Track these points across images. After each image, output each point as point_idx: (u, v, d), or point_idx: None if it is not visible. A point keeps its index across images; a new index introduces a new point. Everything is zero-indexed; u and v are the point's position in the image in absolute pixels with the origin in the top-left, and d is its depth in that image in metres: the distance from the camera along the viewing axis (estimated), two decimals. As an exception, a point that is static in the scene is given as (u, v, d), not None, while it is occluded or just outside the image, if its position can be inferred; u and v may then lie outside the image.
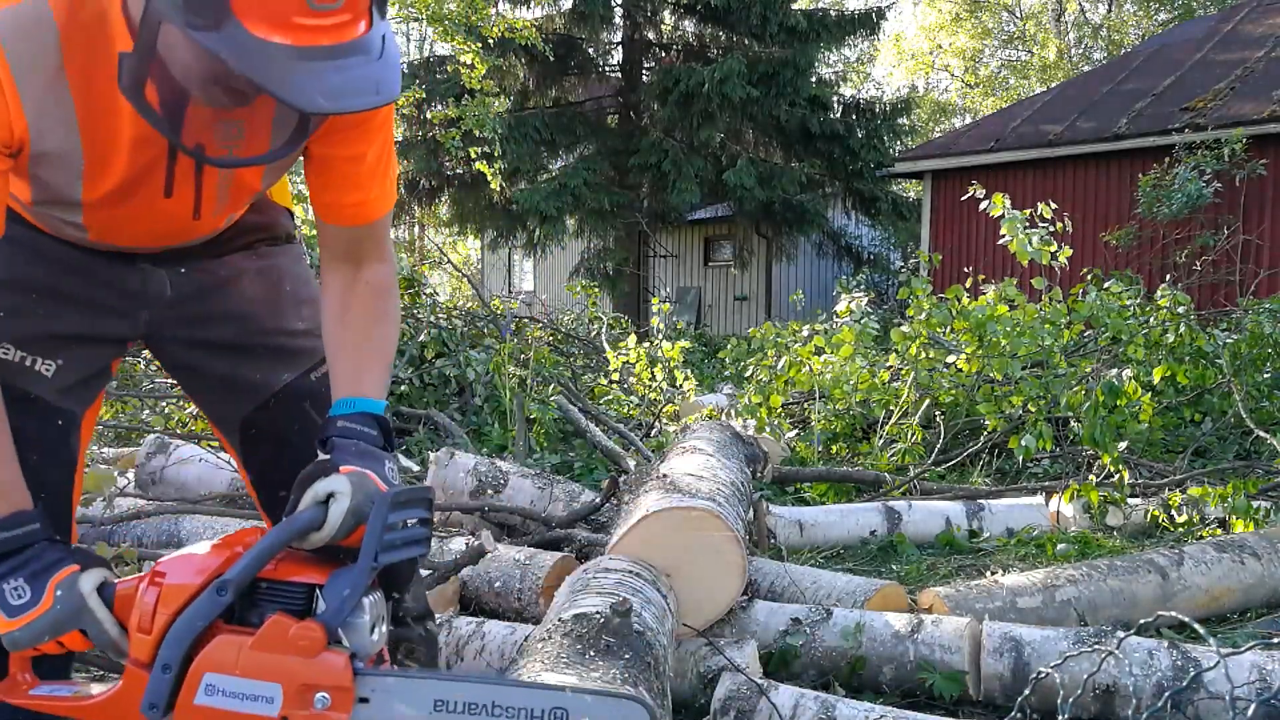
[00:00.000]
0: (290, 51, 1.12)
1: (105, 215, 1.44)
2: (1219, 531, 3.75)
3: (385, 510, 1.27)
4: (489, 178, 11.49)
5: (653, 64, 16.75)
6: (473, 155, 11.40)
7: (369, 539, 1.25)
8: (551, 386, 6.33)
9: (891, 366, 5.52)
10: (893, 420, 5.25)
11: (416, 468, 1.32)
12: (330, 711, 1.23)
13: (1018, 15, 30.96)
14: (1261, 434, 4.81)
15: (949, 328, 5.39)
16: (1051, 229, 5.46)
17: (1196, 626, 2.06)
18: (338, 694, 1.23)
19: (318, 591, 1.26)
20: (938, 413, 5.40)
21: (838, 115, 16.65)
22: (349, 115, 1.37)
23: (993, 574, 3.12)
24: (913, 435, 5.13)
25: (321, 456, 1.40)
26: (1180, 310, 5.68)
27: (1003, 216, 5.46)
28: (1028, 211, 5.57)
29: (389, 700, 1.25)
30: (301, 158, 1.51)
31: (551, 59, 13.71)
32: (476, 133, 11.20)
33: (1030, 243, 5.38)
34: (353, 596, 1.24)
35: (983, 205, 5.67)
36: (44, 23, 1.22)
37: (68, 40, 1.24)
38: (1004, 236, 5.47)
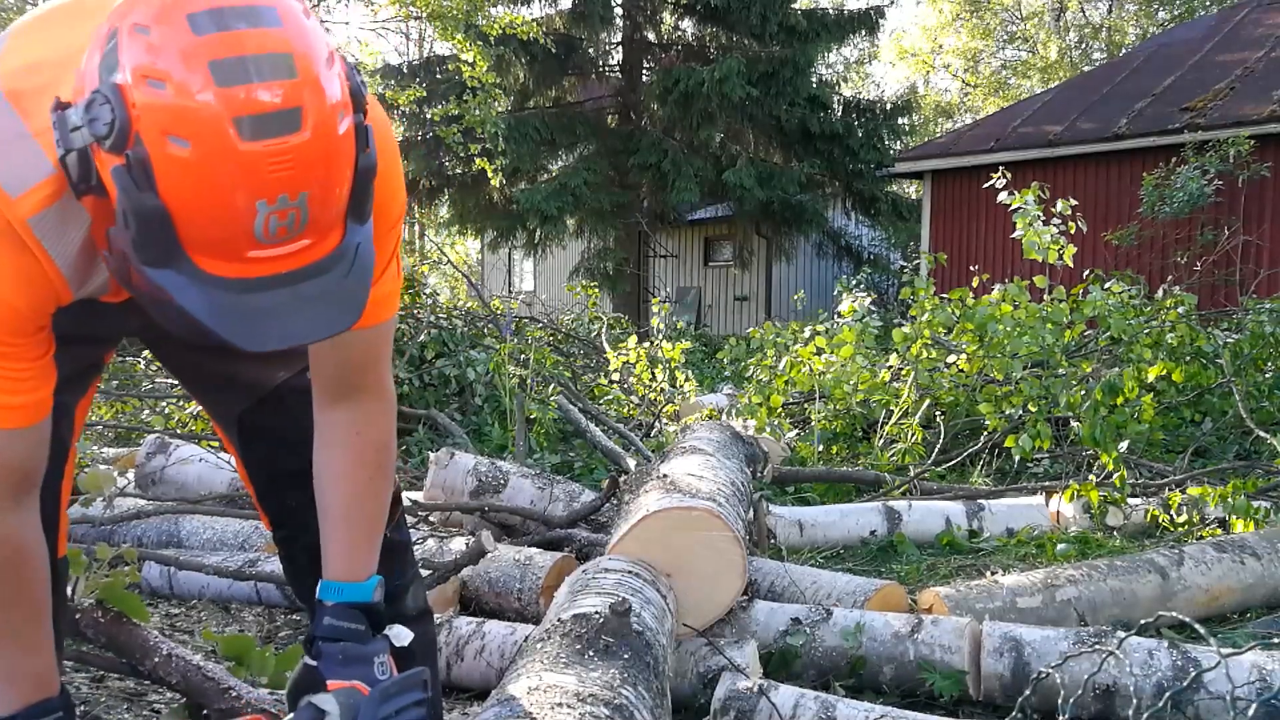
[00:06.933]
0: (239, 285, 1.06)
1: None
2: (1219, 531, 3.75)
3: (374, 709, 1.35)
4: (489, 174, 11.50)
5: (653, 64, 16.74)
6: (472, 151, 11.41)
7: None
8: (551, 386, 6.33)
9: (892, 366, 5.52)
10: (893, 420, 5.25)
11: (409, 637, 1.37)
12: None
13: (1018, 15, 30.93)
14: (1261, 434, 4.80)
15: (951, 329, 5.38)
16: (1063, 227, 5.44)
17: (1197, 626, 2.06)
18: None
19: None
20: (938, 413, 5.39)
21: (837, 115, 16.63)
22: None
23: (993, 574, 3.12)
24: (913, 435, 5.13)
25: (308, 661, 1.44)
26: (1182, 310, 5.67)
27: (1018, 210, 5.44)
28: (1042, 205, 5.55)
29: None
30: None
31: (553, 51, 13.70)
32: (478, 131, 11.22)
33: (1041, 240, 5.36)
34: None
35: (1001, 197, 5.63)
36: (74, 213, 1.23)
37: (96, 218, 1.25)
38: (1016, 231, 5.45)
